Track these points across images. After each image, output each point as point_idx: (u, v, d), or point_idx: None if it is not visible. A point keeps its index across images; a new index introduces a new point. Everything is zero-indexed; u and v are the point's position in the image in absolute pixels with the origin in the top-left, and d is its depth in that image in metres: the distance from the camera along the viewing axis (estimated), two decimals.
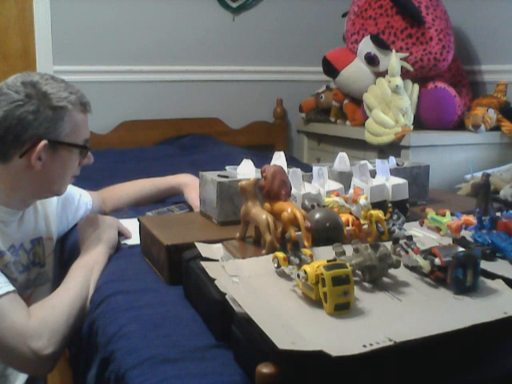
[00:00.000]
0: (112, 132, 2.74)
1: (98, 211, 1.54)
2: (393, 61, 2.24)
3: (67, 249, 1.43)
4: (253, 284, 0.83)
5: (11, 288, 1.07)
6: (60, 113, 1.16)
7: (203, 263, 0.91)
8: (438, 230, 1.11)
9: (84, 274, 1.17)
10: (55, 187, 1.25)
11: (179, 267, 1.03)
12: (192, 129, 2.88)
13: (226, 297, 0.79)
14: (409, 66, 2.29)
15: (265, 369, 0.64)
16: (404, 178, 1.30)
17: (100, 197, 1.59)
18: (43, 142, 1.15)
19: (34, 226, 1.33)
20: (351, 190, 1.14)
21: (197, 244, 1.02)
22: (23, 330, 1.02)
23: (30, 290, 1.31)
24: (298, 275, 0.79)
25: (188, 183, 1.61)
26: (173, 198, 1.67)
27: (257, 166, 1.28)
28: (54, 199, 1.39)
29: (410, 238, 0.93)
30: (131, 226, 1.38)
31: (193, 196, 1.51)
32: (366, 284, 0.84)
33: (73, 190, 1.49)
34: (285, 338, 0.66)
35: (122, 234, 1.36)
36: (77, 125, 1.20)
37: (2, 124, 1.14)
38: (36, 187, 1.22)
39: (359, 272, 0.85)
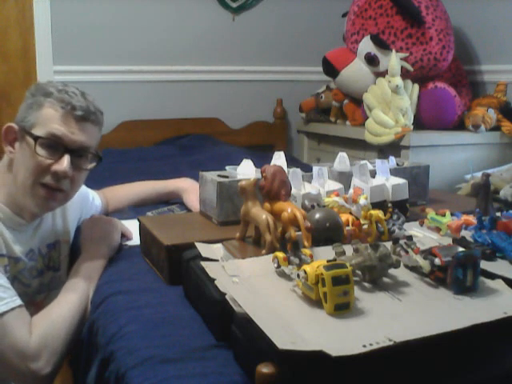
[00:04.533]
0: (112, 132, 2.74)
1: (103, 212, 1.54)
2: (393, 61, 2.24)
3: (73, 249, 1.41)
4: (253, 284, 0.83)
5: (17, 303, 1.06)
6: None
7: (203, 263, 0.91)
8: (438, 229, 1.11)
9: (84, 283, 1.16)
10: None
11: (179, 267, 1.03)
12: (192, 129, 2.88)
13: (226, 297, 0.79)
14: (409, 66, 2.29)
15: (265, 369, 0.64)
16: (404, 178, 1.30)
17: (105, 197, 1.59)
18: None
19: (52, 229, 1.32)
20: (351, 190, 1.14)
21: (197, 244, 1.02)
22: (23, 350, 1.02)
23: (43, 295, 1.30)
24: (298, 275, 0.79)
25: (186, 188, 1.60)
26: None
27: (257, 166, 1.28)
28: (74, 199, 1.34)
29: (410, 238, 0.93)
30: (132, 226, 1.38)
31: (192, 200, 1.51)
32: (366, 284, 0.84)
33: (87, 191, 1.49)
34: (285, 338, 0.66)
35: (123, 236, 1.36)
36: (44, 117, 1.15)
37: None
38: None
39: (359, 272, 0.85)
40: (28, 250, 1.24)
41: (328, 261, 0.78)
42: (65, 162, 1.14)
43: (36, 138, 1.13)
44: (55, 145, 1.15)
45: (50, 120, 1.14)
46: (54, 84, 1.19)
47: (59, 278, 1.33)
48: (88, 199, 1.49)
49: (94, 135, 1.22)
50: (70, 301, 1.13)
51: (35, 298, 1.28)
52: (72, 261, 1.32)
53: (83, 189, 1.43)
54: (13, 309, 1.04)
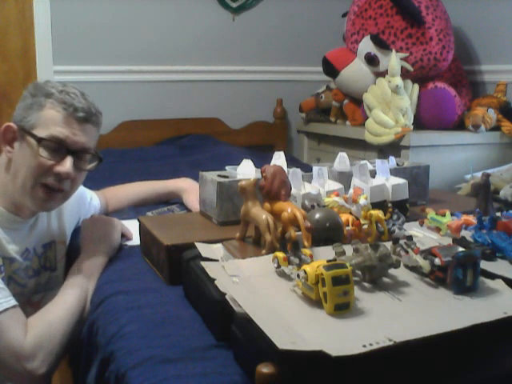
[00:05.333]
0: (112, 132, 2.74)
1: (102, 212, 1.54)
2: (393, 61, 2.24)
3: (72, 249, 1.41)
4: (253, 284, 0.83)
5: (11, 303, 1.06)
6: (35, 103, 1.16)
7: (203, 263, 0.91)
8: (438, 230, 1.11)
9: (83, 282, 1.16)
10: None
11: (179, 267, 1.03)
12: (192, 129, 2.88)
13: (226, 297, 0.79)
14: (409, 66, 2.29)
15: (265, 369, 0.64)
16: (404, 178, 1.30)
17: (104, 197, 1.59)
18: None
19: (47, 229, 1.32)
20: (351, 190, 1.14)
21: (197, 244, 1.02)
22: (18, 350, 1.02)
23: (40, 295, 1.30)
24: (298, 275, 0.79)
25: (186, 188, 1.60)
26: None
27: (257, 166, 1.28)
28: (71, 200, 1.33)
29: (410, 238, 0.93)
30: (132, 226, 1.38)
31: (192, 200, 1.50)
32: (366, 284, 0.84)
33: (85, 191, 1.48)
34: (285, 338, 0.66)
35: (123, 236, 1.36)
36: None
37: None
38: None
39: (359, 272, 0.85)
40: (23, 250, 1.24)
41: (328, 261, 0.78)
42: (67, 164, 1.15)
43: (39, 140, 1.13)
44: (58, 146, 1.15)
45: (52, 122, 1.15)
46: (53, 84, 1.19)
47: (56, 279, 1.33)
48: (85, 200, 1.48)
49: (94, 136, 1.22)
50: (67, 301, 1.12)
51: (32, 299, 1.28)
52: (70, 261, 1.32)
53: (80, 190, 1.43)
54: (6, 309, 1.04)
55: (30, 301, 1.27)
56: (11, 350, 1.02)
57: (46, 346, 1.04)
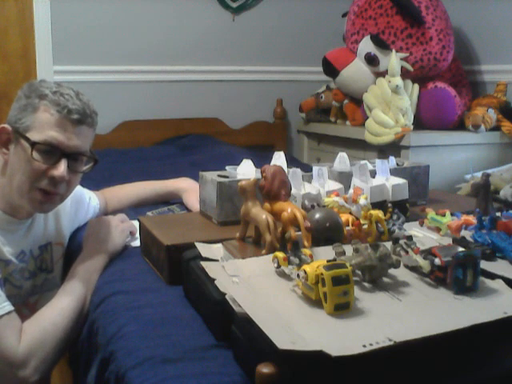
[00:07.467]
0: (112, 132, 2.74)
1: (102, 213, 1.53)
2: (393, 61, 2.24)
3: (74, 251, 1.41)
4: (253, 284, 0.83)
5: (6, 310, 1.04)
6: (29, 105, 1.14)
7: (203, 263, 0.91)
8: (437, 230, 1.11)
9: (81, 287, 1.15)
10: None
11: (179, 267, 1.03)
12: (192, 129, 2.88)
13: (226, 297, 0.79)
14: (409, 66, 2.29)
15: (265, 369, 0.64)
16: (404, 178, 1.30)
17: (104, 197, 1.58)
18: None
19: (43, 231, 1.31)
20: (351, 190, 1.14)
21: (197, 244, 1.02)
22: (11, 358, 1.01)
23: (36, 297, 1.29)
24: (298, 275, 0.79)
25: (186, 189, 1.60)
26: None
27: (257, 166, 1.28)
28: (68, 201, 1.33)
29: (410, 238, 0.93)
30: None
31: (192, 200, 1.50)
32: (366, 284, 0.84)
33: (83, 192, 1.48)
34: (285, 338, 0.66)
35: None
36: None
37: None
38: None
39: (359, 272, 0.85)
40: (19, 252, 1.23)
41: (328, 261, 0.78)
42: (61, 167, 1.13)
43: (33, 144, 1.12)
44: (52, 150, 1.13)
45: (46, 125, 1.13)
46: (48, 84, 1.17)
47: (52, 280, 1.33)
48: (84, 201, 1.47)
49: (89, 137, 1.20)
50: (63, 306, 1.11)
51: (28, 300, 1.27)
52: (69, 262, 1.31)
53: (79, 190, 1.43)
54: (1, 317, 1.03)
55: (27, 302, 1.26)
56: (4, 357, 1.01)
57: (39, 353, 1.04)
